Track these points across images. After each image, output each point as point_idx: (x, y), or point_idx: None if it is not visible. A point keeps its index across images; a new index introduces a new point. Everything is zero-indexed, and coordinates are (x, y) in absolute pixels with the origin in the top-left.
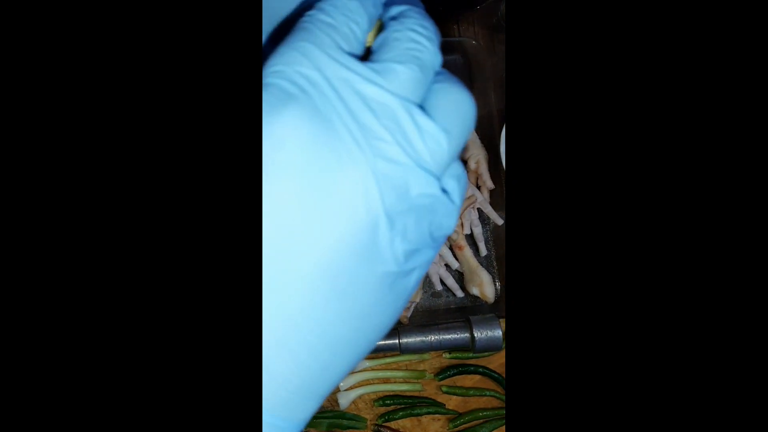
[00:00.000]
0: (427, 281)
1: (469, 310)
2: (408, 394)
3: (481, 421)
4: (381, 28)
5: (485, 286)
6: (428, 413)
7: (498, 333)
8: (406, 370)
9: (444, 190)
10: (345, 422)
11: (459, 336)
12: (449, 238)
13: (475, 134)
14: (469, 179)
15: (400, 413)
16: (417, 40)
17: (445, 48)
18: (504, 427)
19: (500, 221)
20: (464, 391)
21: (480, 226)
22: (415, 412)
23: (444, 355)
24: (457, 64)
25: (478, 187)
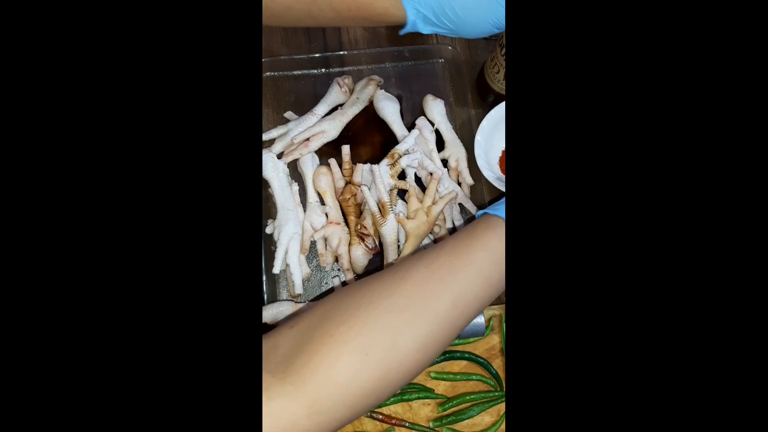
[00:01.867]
0: None
1: None
2: None
3: (469, 404)
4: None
5: None
6: (418, 398)
7: (481, 320)
8: None
9: None
10: None
11: None
12: (433, 232)
13: (455, 134)
14: (450, 177)
15: (392, 399)
16: None
17: (425, 54)
18: (491, 408)
19: None
20: (452, 377)
21: (462, 220)
22: (406, 397)
23: None
24: (437, 68)
25: (459, 184)
